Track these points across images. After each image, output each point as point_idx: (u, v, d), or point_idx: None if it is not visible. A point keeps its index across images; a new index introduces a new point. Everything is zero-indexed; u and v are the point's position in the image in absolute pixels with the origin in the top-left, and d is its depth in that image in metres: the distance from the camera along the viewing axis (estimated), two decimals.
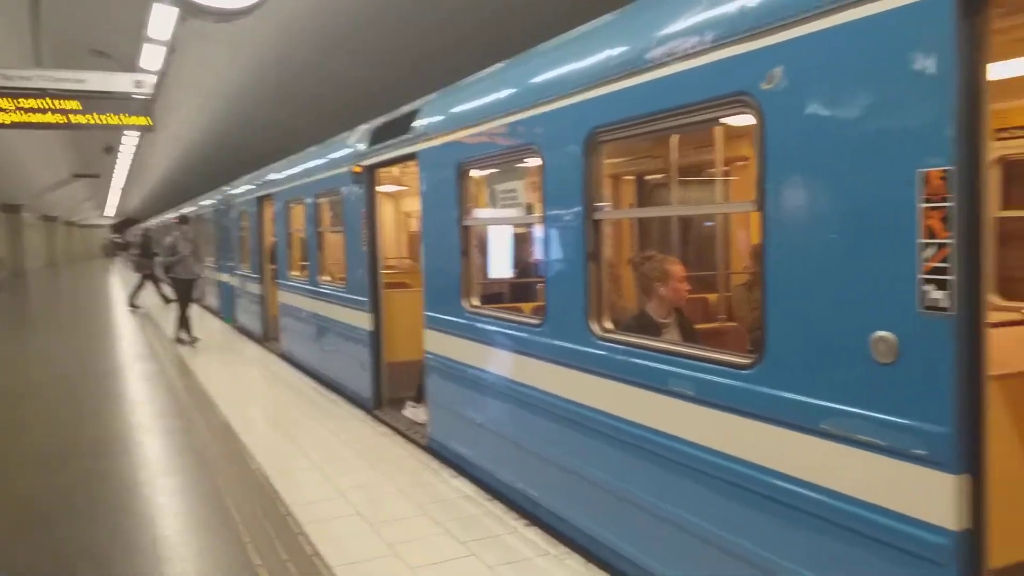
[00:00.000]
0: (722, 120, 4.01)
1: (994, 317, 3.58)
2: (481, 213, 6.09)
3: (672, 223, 7.11)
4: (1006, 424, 2.88)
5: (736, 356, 3.44)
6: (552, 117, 4.57)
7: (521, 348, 5.11)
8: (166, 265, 13.68)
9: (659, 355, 3.87)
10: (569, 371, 4.54)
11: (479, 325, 5.68)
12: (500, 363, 5.41)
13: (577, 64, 4.45)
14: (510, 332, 5.26)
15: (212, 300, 19.44)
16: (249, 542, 4.80)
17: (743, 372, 3.31)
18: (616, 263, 6.57)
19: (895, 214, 2.58)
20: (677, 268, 4.74)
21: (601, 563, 4.33)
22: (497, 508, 5.26)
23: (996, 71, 3.43)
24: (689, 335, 4.74)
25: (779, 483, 3.12)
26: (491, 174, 5.81)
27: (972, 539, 2.52)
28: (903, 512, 2.65)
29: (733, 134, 5.89)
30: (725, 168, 6.29)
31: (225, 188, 17.95)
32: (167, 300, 19.88)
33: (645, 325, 4.56)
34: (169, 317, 15.31)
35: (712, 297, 6.63)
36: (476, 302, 5.94)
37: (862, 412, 2.77)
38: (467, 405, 5.94)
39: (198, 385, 9.94)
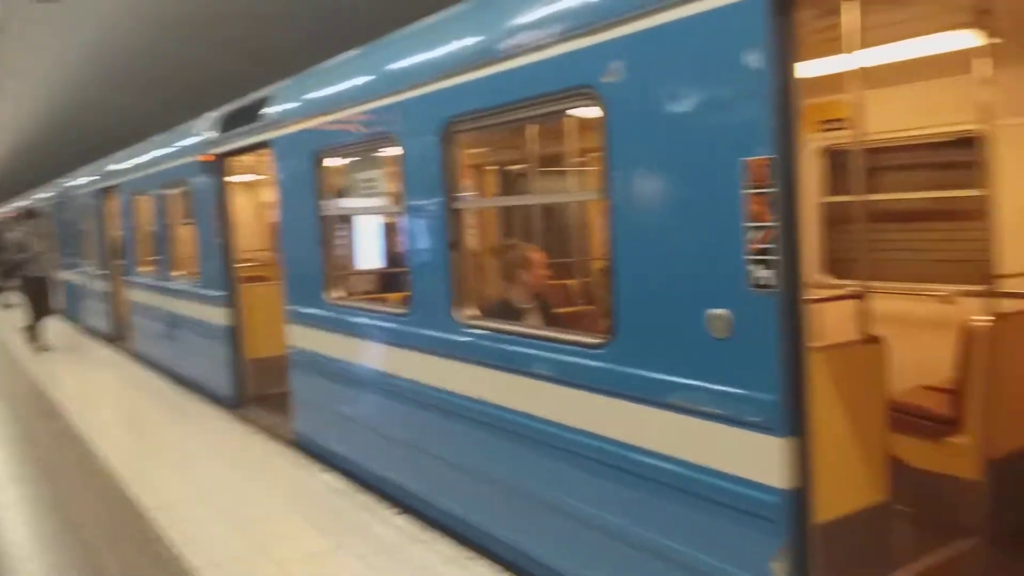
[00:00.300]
0: (570, 112, 4.17)
1: (824, 294, 3.93)
2: (341, 203, 6.01)
3: (535, 212, 7.28)
4: (831, 390, 3.15)
5: (590, 337, 3.60)
6: (410, 105, 4.57)
7: (387, 338, 5.10)
8: (14, 264, 12.43)
9: (520, 339, 3.98)
10: (435, 359, 4.58)
11: (343, 317, 5.61)
12: (366, 354, 5.37)
13: (434, 52, 4.47)
14: (375, 323, 5.23)
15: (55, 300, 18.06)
16: (104, 551, 4.55)
17: (596, 352, 3.47)
18: (480, 251, 6.66)
19: (725, 200, 2.78)
20: (537, 255, 4.88)
21: (473, 545, 4.41)
22: (368, 499, 5.23)
23: (812, 68, 3.76)
24: (550, 319, 4.89)
25: (633, 456, 3.29)
26: (350, 163, 5.75)
27: (800, 496, 2.76)
28: (740, 475, 2.86)
29: (590, 125, 6.09)
30: (584, 158, 6.50)
31: (64, 180, 16.71)
32: (6, 306, 18.25)
33: (507, 311, 4.67)
34: (6, 321, 14.11)
35: (573, 282, 6.85)
36: (339, 294, 5.86)
37: (702, 384, 2.97)
38: (334, 399, 5.86)
39: (41, 391, 9.23)
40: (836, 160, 5.53)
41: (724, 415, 2.90)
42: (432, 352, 4.59)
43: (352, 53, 5.71)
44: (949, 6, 3.46)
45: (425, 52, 4.56)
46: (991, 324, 3.96)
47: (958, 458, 3.99)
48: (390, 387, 5.08)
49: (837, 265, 5.57)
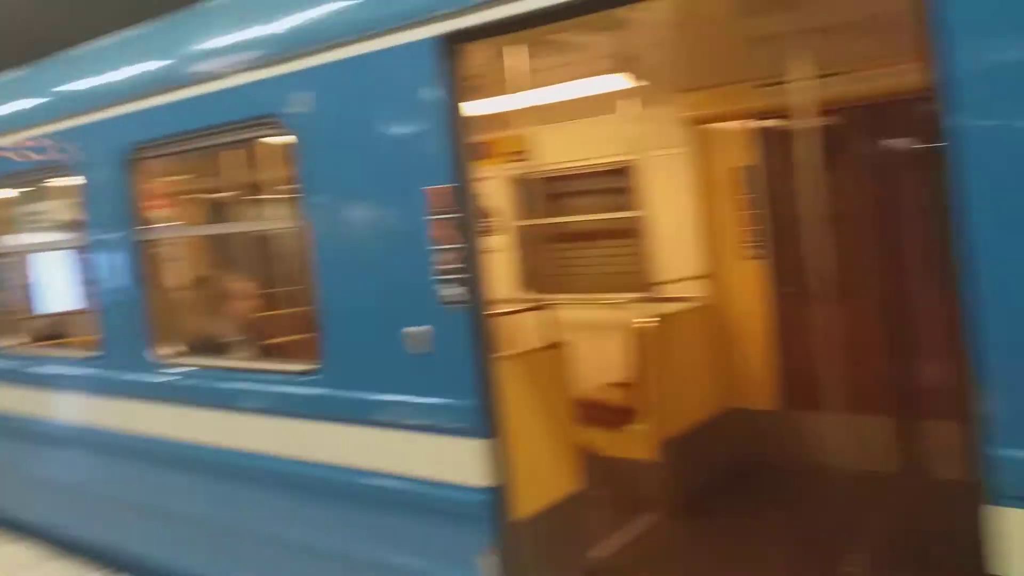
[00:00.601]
0: (263, 140, 4.16)
1: (520, 306, 4.29)
2: (8, 239, 5.36)
3: (247, 241, 7.02)
4: (521, 393, 3.45)
5: (300, 364, 3.60)
6: (89, 131, 4.24)
7: (77, 386, 4.63)
8: None
9: (227, 374, 3.86)
10: (134, 403, 4.26)
11: (20, 367, 5.00)
12: (54, 405, 4.83)
13: (115, 75, 4.20)
14: (62, 370, 4.73)
15: None
16: None
17: (307, 378, 3.48)
18: (182, 284, 6.30)
19: (413, 226, 2.97)
20: (242, 286, 4.75)
21: None
22: (67, 565, 4.71)
23: (491, 105, 4.14)
24: (262, 350, 4.77)
25: (352, 478, 3.34)
26: (20, 194, 5.17)
27: (501, 493, 3.00)
28: (448, 480, 3.04)
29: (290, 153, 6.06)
30: (288, 186, 6.43)
31: None
32: None
33: (213, 346, 4.48)
34: None
35: (288, 311, 6.71)
36: (15, 340, 5.21)
37: (408, 399, 3.12)
38: (14, 460, 5.18)
39: None
40: (528, 188, 6.08)
41: (430, 425, 3.07)
42: (130, 396, 4.27)
43: (18, 72, 5.14)
44: (601, 53, 4.01)
45: (105, 74, 4.26)
46: (655, 325, 4.61)
47: (637, 443, 4.59)
48: (84, 439, 4.61)
49: (534, 281, 6.10)
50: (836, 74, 4.08)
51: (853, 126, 4.62)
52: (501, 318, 4.50)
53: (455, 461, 3.01)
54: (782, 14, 3.37)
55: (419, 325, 3.02)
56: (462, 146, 2.87)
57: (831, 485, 3.84)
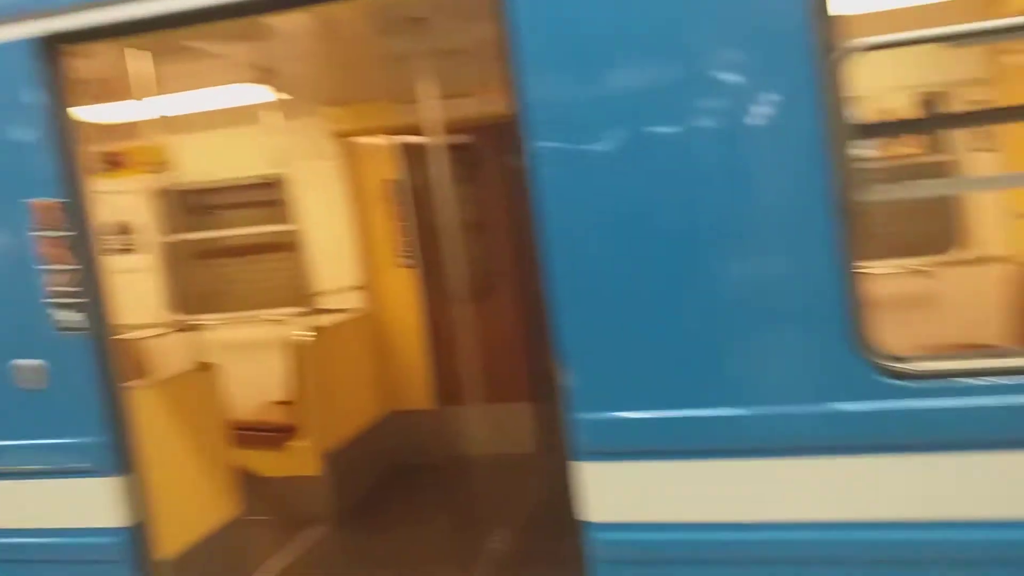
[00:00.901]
0: None
1: (163, 330, 4.02)
2: None
3: None
4: (167, 423, 3.24)
5: None
6: None
7: None
8: None
9: None
10: None
11: None
12: None
13: None
14: None
15: None
16: None
17: None
18: None
19: (17, 245, 2.64)
20: None
21: None
22: None
23: (117, 113, 3.84)
24: None
25: None
26: None
27: (142, 531, 2.79)
28: (81, 526, 2.76)
29: None
30: None
31: None
32: None
33: None
34: None
35: None
36: None
37: (24, 443, 2.77)
38: None
39: None
40: (173, 201, 5.70)
41: (53, 469, 2.76)
42: None
43: None
44: (238, 62, 3.90)
45: None
46: (312, 339, 4.62)
47: (300, 459, 4.56)
48: None
49: (185, 301, 5.74)
50: (464, 95, 4.46)
51: (484, 143, 5.08)
52: (143, 343, 4.20)
53: (87, 504, 2.74)
54: (408, 36, 3.59)
55: (32, 358, 2.69)
56: (73, 156, 2.61)
57: (481, 471, 4.18)
